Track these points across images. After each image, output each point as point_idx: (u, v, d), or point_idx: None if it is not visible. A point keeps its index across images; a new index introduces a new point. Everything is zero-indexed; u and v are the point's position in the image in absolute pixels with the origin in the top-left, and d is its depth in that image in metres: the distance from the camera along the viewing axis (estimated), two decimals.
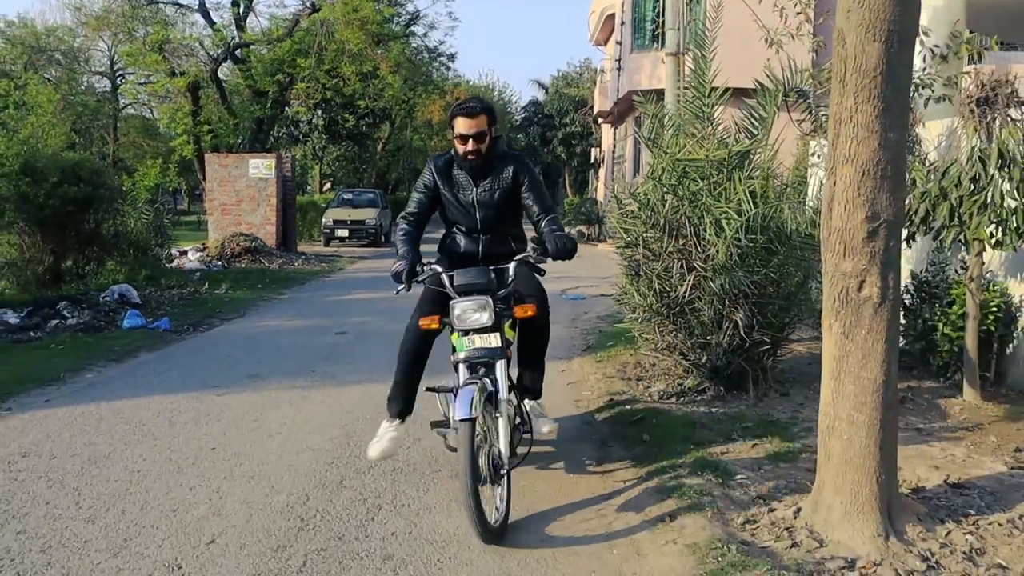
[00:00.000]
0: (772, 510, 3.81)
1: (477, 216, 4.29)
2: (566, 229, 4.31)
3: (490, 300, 3.82)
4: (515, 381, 4.40)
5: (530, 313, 4.01)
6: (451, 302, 3.86)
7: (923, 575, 3.17)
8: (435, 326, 4.02)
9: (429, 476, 4.43)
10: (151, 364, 7.29)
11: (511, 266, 4.04)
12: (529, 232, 4.48)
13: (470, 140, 4.14)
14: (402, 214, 4.38)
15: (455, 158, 4.29)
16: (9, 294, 10.87)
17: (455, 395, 4.32)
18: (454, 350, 4.03)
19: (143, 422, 5.38)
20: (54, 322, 9.03)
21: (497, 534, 3.57)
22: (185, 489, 4.21)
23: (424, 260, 4.08)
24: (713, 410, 5.52)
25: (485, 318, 3.80)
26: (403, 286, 3.99)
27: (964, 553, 3.33)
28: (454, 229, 4.42)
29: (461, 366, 3.88)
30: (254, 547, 3.54)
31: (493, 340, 3.83)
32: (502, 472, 3.69)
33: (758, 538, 3.55)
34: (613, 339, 8.08)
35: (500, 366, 3.83)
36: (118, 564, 3.37)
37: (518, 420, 4.21)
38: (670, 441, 4.86)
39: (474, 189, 4.27)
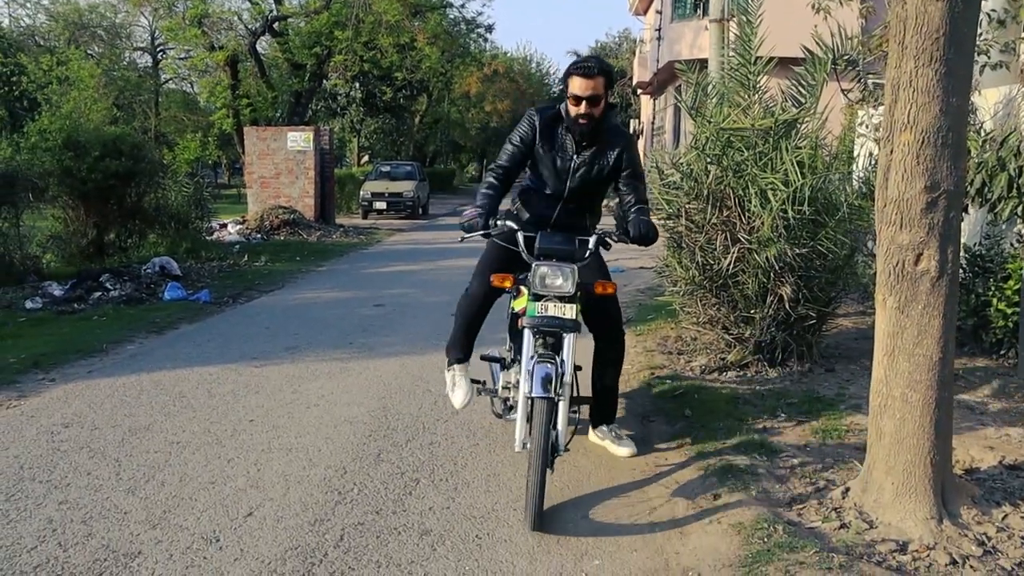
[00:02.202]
0: (819, 490, 3.70)
1: (568, 184, 4.02)
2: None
3: (576, 269, 3.65)
4: (589, 406, 4.31)
5: (610, 290, 3.84)
6: (535, 263, 3.67)
7: (979, 560, 3.05)
8: (508, 284, 3.86)
9: (467, 450, 4.38)
10: (191, 336, 7.34)
11: (592, 240, 3.82)
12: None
13: (584, 103, 3.82)
14: (491, 166, 4.14)
15: (563, 117, 3.98)
16: (54, 267, 11.03)
17: (503, 365, 4.29)
18: (513, 314, 3.91)
19: (183, 393, 5.40)
20: (97, 294, 9.13)
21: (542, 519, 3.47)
22: (223, 461, 4.20)
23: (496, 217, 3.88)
24: (756, 386, 5.40)
25: (569, 286, 3.63)
26: (476, 234, 3.78)
27: (1022, 538, 3.20)
28: (535, 186, 4.16)
29: (527, 332, 3.67)
30: (291, 520, 3.52)
31: (568, 311, 3.63)
32: (557, 456, 3.58)
33: (805, 518, 3.45)
34: (654, 312, 7.97)
35: (569, 340, 3.64)
36: (157, 536, 3.37)
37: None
38: (713, 417, 4.76)
39: (575, 157, 3.98)
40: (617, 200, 4.12)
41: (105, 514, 3.57)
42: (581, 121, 3.87)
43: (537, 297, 3.67)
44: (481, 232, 3.80)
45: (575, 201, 4.07)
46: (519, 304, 3.92)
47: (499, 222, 3.85)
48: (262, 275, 11.34)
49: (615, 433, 4.37)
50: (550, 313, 3.63)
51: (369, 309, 8.70)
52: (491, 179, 4.04)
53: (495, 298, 4.17)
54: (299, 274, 11.68)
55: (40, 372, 5.93)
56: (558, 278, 3.64)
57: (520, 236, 3.81)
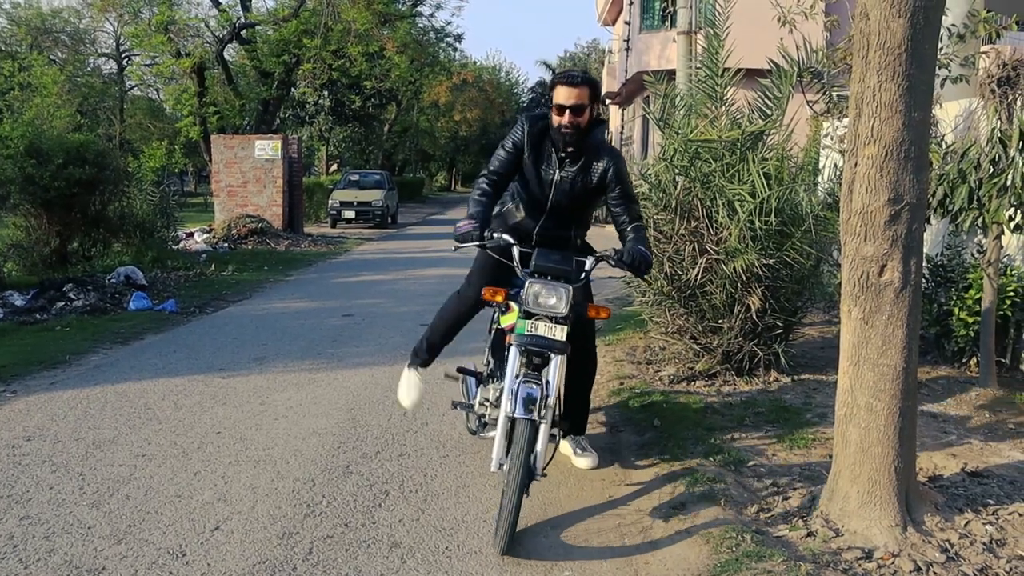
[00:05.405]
0: (786, 499, 3.74)
1: (549, 198, 3.94)
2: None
3: (571, 290, 3.57)
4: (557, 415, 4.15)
5: (603, 315, 3.77)
6: (529, 280, 3.57)
7: (943, 566, 3.10)
8: (499, 299, 3.74)
9: (437, 462, 4.37)
10: (157, 346, 7.24)
11: (589, 261, 3.73)
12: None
13: (567, 112, 3.75)
14: (483, 171, 3.99)
15: (550, 129, 3.90)
16: (16, 276, 10.84)
17: (479, 380, 4.24)
18: (499, 330, 3.82)
19: (148, 405, 5.33)
20: (60, 304, 8.99)
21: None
22: (190, 474, 4.15)
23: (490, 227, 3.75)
24: (725, 396, 5.45)
25: (562, 307, 3.52)
26: (470, 244, 3.63)
27: (984, 544, 3.26)
28: (521, 194, 4.07)
29: (513, 350, 3.56)
30: (260, 534, 3.48)
31: (559, 332, 3.52)
32: (534, 480, 3.43)
33: (772, 527, 3.48)
34: (622, 322, 8.00)
35: (556, 363, 3.54)
36: (122, 551, 3.31)
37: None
38: (681, 427, 4.79)
39: (557, 171, 3.90)
40: (611, 218, 4.04)
41: (68, 529, 3.51)
42: (564, 130, 3.79)
43: (528, 315, 3.57)
44: (475, 244, 3.67)
45: (558, 213, 4.00)
46: (507, 320, 3.82)
47: (495, 234, 3.73)
48: (229, 285, 11.23)
49: (580, 445, 4.37)
50: (540, 333, 3.54)
51: (338, 319, 8.65)
52: (484, 185, 3.90)
53: (483, 307, 4.13)
54: (267, 284, 11.59)
55: (1, 384, 5.81)
56: (552, 297, 3.55)
57: (516, 251, 3.71)
